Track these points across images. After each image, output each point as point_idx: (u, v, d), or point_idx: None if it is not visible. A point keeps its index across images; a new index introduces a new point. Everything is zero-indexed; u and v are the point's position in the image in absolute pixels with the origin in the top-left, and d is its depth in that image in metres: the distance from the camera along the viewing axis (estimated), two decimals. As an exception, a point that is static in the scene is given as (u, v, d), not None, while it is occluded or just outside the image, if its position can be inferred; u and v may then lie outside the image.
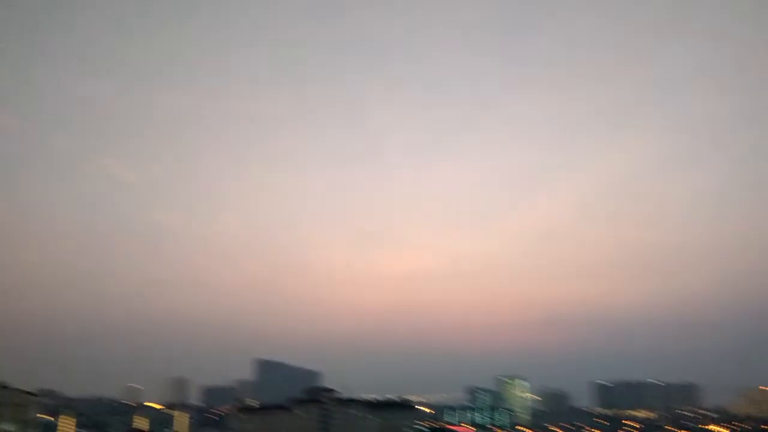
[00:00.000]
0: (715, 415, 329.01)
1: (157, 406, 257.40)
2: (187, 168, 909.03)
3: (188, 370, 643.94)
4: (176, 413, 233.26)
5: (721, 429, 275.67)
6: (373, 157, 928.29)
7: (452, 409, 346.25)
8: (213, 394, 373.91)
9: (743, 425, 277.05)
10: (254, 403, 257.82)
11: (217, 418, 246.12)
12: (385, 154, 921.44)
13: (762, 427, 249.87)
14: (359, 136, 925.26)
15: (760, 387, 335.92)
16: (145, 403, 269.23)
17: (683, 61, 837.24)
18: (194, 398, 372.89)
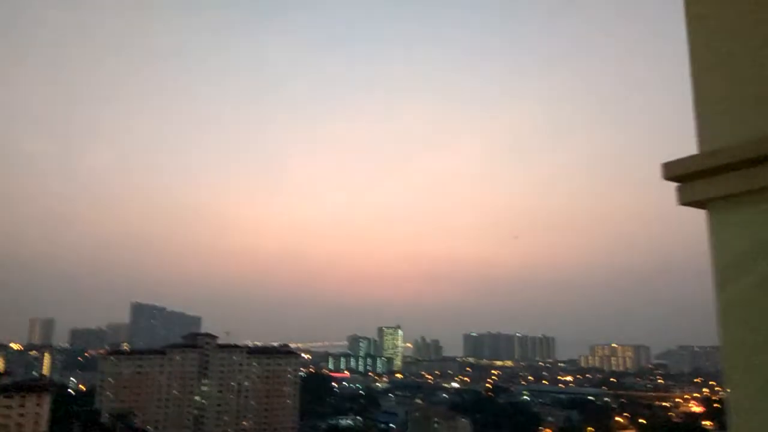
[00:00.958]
0: (565, 366, 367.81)
1: (17, 347, 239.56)
2: (56, 90, 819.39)
3: (55, 311, 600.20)
4: (37, 355, 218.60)
5: (569, 377, 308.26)
6: (271, 99, 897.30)
7: (334, 356, 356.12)
8: (82, 336, 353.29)
9: (589, 376, 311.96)
10: (127, 347, 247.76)
11: (86, 361, 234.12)
12: (284, 99, 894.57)
13: (610, 379, 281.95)
14: (257, 78, 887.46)
15: (612, 344, 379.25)
16: (2, 343, 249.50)
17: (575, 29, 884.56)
18: (61, 340, 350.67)
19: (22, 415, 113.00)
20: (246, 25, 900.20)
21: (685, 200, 2.57)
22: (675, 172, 2.50)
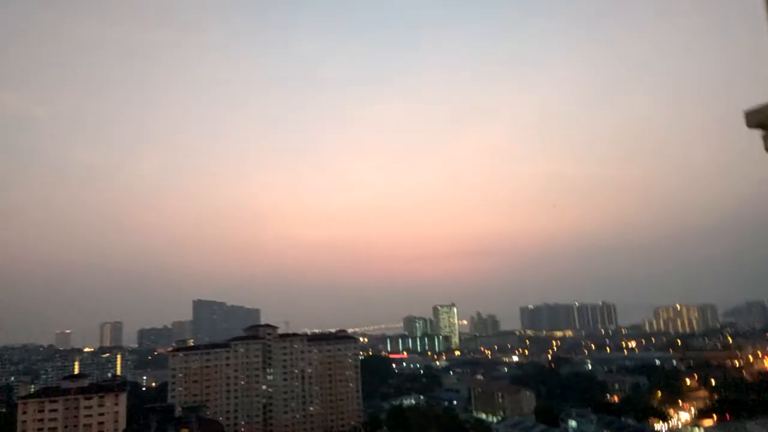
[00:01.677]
0: (629, 332, 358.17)
1: (90, 350, 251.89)
2: (103, 102, 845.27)
3: (122, 313, 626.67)
4: (109, 356, 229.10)
5: (633, 343, 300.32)
6: (302, 85, 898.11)
7: (391, 338, 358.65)
8: (149, 336, 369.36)
9: (654, 340, 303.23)
10: (192, 343, 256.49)
11: (155, 359, 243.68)
12: (315, 85, 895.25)
13: (676, 341, 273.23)
14: (288, 66, 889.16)
15: (677, 305, 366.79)
16: (77, 348, 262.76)
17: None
18: (130, 341, 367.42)
19: (102, 414, 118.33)
20: (276, 11, 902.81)
21: None
22: (760, 119, 2.49)
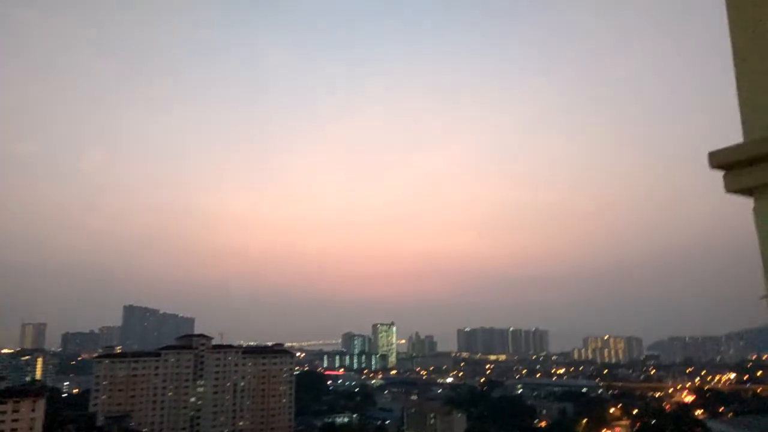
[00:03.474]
0: (559, 359, 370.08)
1: (8, 351, 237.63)
2: (50, 94, 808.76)
3: (46, 314, 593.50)
4: (29, 359, 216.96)
5: (563, 370, 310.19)
6: (265, 98, 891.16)
7: (329, 354, 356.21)
8: (74, 340, 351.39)
9: (582, 368, 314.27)
10: (120, 350, 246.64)
11: (79, 365, 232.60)
12: (278, 98, 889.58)
13: (603, 371, 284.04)
14: (252, 76, 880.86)
15: (605, 336, 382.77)
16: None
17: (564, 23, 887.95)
18: (53, 344, 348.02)
19: (16, 420, 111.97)
20: (242, 23, 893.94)
21: (733, 188, 2.59)
22: (722, 160, 2.59)
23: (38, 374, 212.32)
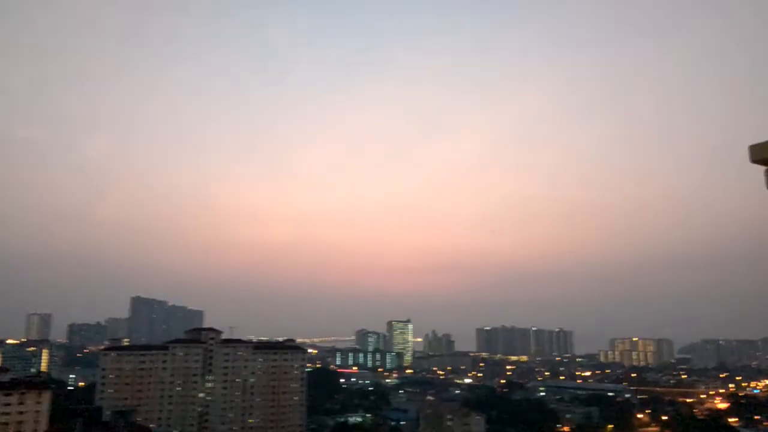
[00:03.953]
0: (584, 361, 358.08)
1: (13, 342, 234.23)
2: (55, 80, 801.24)
3: (53, 305, 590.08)
4: (35, 350, 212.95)
5: (588, 373, 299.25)
6: (276, 87, 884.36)
7: (342, 352, 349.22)
8: (80, 331, 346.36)
9: (609, 371, 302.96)
10: (127, 342, 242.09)
11: (85, 357, 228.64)
12: (289, 87, 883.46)
13: (631, 374, 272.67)
14: (262, 65, 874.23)
15: (633, 338, 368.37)
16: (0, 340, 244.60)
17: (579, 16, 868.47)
18: (59, 336, 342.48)
19: (21, 413, 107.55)
20: (250, 11, 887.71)
21: None
22: (765, 154, 2.51)
23: (44, 366, 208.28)
